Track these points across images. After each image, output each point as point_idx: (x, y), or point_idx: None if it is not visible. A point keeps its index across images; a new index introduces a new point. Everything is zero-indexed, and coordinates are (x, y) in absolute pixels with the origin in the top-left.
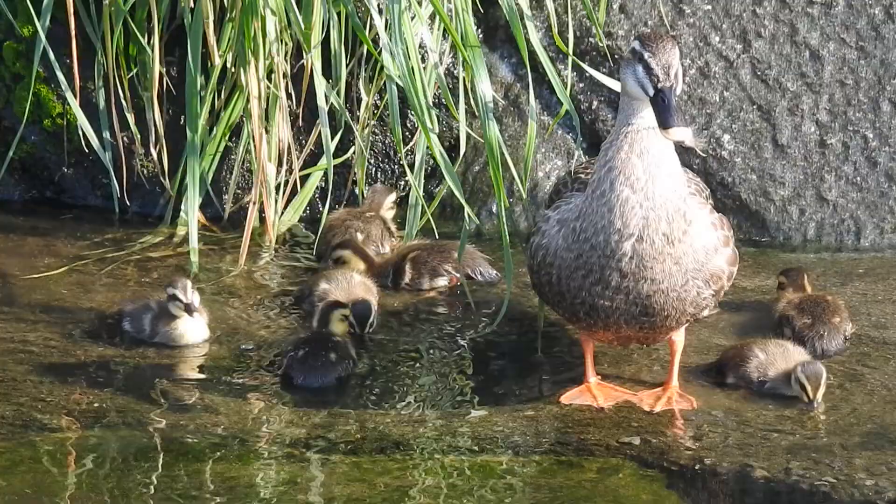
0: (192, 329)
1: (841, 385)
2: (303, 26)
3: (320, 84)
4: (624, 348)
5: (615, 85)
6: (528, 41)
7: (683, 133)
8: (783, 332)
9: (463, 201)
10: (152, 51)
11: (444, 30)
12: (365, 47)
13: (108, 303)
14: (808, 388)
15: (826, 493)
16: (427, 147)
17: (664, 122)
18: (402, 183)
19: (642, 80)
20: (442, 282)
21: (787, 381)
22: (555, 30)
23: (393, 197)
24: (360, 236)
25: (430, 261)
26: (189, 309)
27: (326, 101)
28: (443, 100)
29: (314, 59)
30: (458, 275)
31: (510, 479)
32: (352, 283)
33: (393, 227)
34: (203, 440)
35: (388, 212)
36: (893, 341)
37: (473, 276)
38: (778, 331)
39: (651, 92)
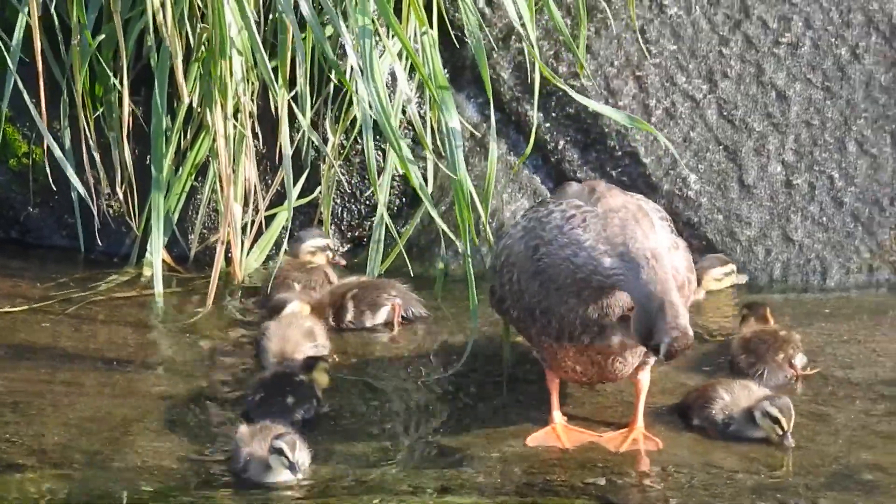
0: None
1: (806, 425)
2: (269, 66)
3: (285, 126)
4: (590, 388)
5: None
6: (494, 80)
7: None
8: (731, 368)
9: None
10: (120, 90)
11: (412, 69)
12: (331, 87)
13: (73, 343)
14: (783, 420)
15: None
16: (397, 182)
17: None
18: (368, 223)
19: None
20: (384, 313)
21: (753, 421)
22: (538, 60)
23: (315, 242)
24: (297, 286)
25: (369, 295)
26: (294, 469)
27: (291, 144)
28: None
29: (284, 96)
30: (399, 301)
31: None
32: (291, 331)
33: (333, 275)
34: (165, 481)
35: (312, 257)
36: (859, 381)
37: (405, 314)
38: (730, 367)
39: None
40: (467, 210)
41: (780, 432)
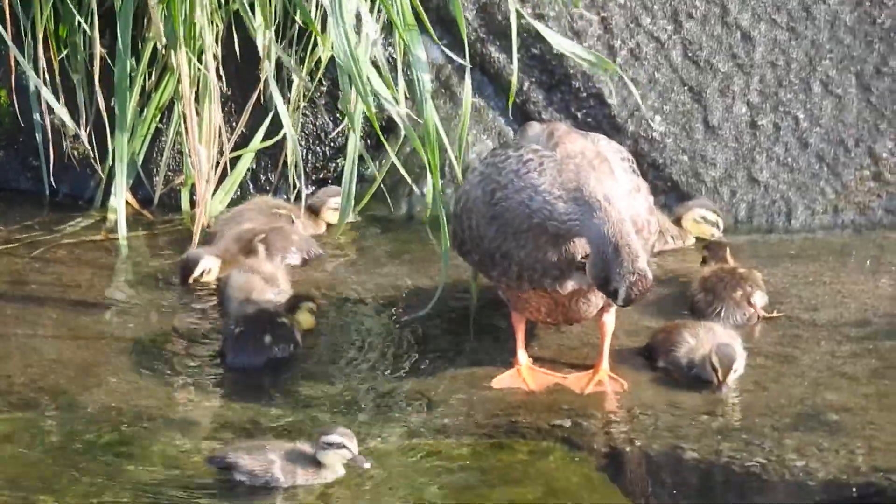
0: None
1: (771, 366)
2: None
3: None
4: (556, 330)
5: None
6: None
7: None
8: (690, 308)
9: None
10: (91, 31)
11: (379, 9)
12: (294, 29)
13: (38, 286)
14: (719, 370)
15: (757, 475)
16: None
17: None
18: (333, 165)
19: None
20: (295, 255)
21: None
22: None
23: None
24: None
25: (278, 239)
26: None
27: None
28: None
29: (263, 30)
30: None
31: (441, 461)
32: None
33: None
34: (133, 420)
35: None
36: (824, 323)
37: (307, 256)
38: (689, 307)
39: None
40: (433, 152)
41: (715, 381)
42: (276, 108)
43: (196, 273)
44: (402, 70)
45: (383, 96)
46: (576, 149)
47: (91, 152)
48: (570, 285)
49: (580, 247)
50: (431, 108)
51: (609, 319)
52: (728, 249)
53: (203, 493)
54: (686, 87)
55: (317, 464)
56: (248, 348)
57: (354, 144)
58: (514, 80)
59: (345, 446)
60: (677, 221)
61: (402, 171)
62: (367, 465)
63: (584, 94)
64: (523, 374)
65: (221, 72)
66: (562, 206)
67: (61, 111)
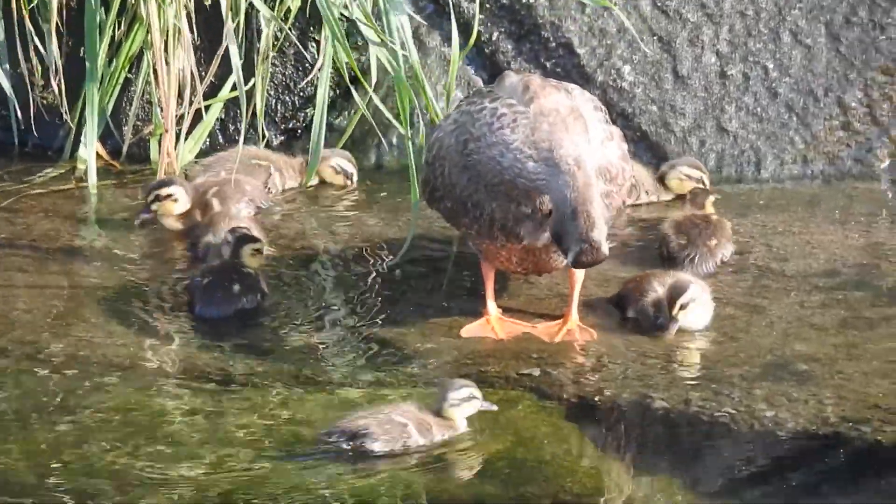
0: None
1: (741, 317)
2: None
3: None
4: (525, 280)
5: None
6: None
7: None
8: (662, 251)
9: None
10: None
11: None
12: None
13: (7, 236)
14: (665, 306)
15: (726, 424)
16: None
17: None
18: (302, 115)
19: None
20: (245, 206)
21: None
22: None
23: (340, 162)
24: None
25: (230, 192)
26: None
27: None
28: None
29: None
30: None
31: None
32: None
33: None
34: (103, 370)
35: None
36: (793, 273)
37: (260, 205)
38: (659, 249)
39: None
40: (407, 91)
41: (668, 316)
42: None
43: (162, 191)
44: (382, 15)
45: (371, 38)
46: (550, 105)
47: (61, 103)
48: (542, 237)
49: (549, 202)
50: (414, 51)
51: (579, 269)
52: (710, 199)
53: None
54: (655, 37)
55: (443, 419)
56: (217, 299)
57: (324, 92)
58: (476, 25)
59: (475, 397)
60: (661, 178)
61: (387, 113)
62: (495, 408)
63: (554, 44)
64: (493, 324)
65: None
66: (532, 165)
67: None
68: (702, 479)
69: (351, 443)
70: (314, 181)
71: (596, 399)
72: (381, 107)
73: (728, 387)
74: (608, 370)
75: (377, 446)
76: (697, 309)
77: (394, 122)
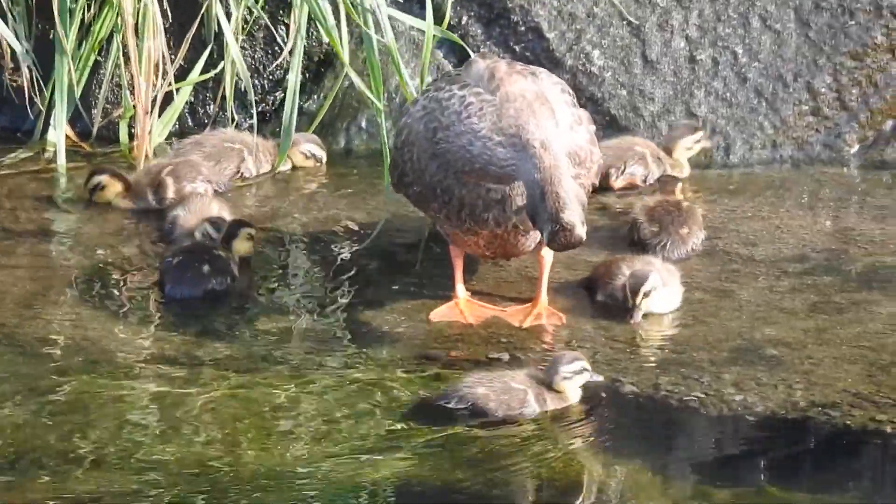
0: None
1: (710, 301)
2: None
3: None
4: (494, 263)
5: None
6: None
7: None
8: (633, 236)
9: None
10: None
11: None
12: None
13: None
14: (629, 296)
15: (695, 409)
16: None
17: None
18: (272, 98)
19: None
20: (201, 186)
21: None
22: None
23: (310, 148)
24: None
25: (186, 172)
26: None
27: (194, 19)
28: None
29: None
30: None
31: (379, 395)
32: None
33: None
34: (72, 354)
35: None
36: (762, 258)
37: (217, 188)
38: (630, 234)
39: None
40: (377, 72)
41: (629, 306)
42: (214, 39)
43: (90, 183)
44: None
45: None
46: (516, 91)
47: (31, 85)
48: (510, 222)
49: (519, 189)
50: (390, 32)
51: (548, 253)
52: (679, 186)
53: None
54: (624, 22)
55: (554, 391)
56: (187, 279)
57: (296, 76)
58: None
59: (585, 369)
60: (667, 151)
61: (364, 90)
62: (601, 379)
63: (523, 28)
64: (461, 307)
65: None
66: (501, 151)
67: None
68: (671, 463)
69: (469, 408)
70: (286, 165)
71: None
72: (358, 81)
73: (697, 371)
74: None
75: (498, 412)
76: (663, 293)
77: (370, 96)
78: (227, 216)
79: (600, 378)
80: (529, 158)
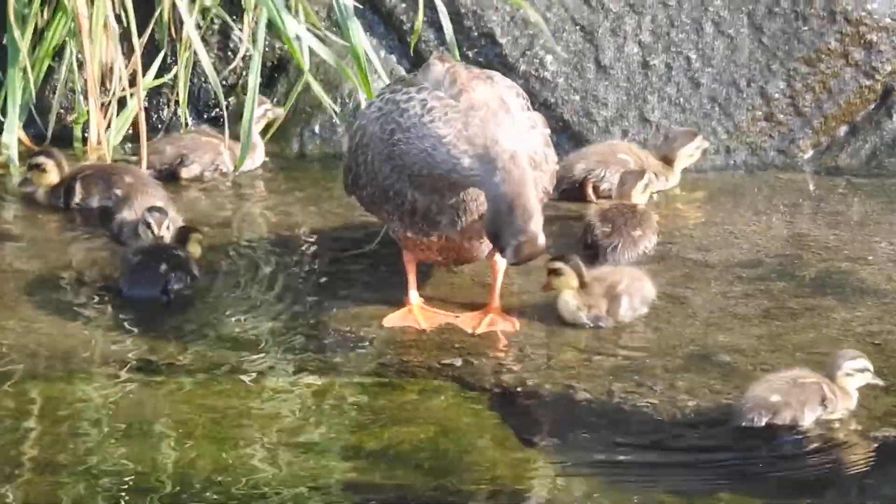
0: None
1: (663, 307)
2: None
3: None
4: (447, 269)
5: None
6: None
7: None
8: (586, 238)
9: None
10: None
11: None
12: None
13: None
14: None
15: (648, 415)
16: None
17: None
18: (227, 102)
19: None
20: (115, 194)
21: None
22: None
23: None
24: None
25: (100, 179)
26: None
27: (147, 24)
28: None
29: None
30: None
31: (332, 401)
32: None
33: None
34: (25, 360)
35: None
36: (715, 263)
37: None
38: (583, 236)
39: None
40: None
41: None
42: (167, 44)
43: (34, 160)
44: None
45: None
46: (480, 98)
47: None
48: (459, 227)
49: (479, 196)
50: (359, 29)
51: (501, 259)
52: (636, 187)
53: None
54: (578, 27)
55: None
56: (144, 279)
57: (255, 76)
58: (419, 23)
59: (867, 369)
60: (667, 160)
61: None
62: (881, 383)
63: (476, 34)
64: (415, 313)
65: (118, 9)
66: (467, 160)
67: None
68: (624, 471)
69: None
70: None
71: (518, 389)
72: (317, 88)
73: (651, 378)
74: (530, 360)
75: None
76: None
77: (328, 103)
78: (176, 218)
79: (880, 382)
80: (498, 172)
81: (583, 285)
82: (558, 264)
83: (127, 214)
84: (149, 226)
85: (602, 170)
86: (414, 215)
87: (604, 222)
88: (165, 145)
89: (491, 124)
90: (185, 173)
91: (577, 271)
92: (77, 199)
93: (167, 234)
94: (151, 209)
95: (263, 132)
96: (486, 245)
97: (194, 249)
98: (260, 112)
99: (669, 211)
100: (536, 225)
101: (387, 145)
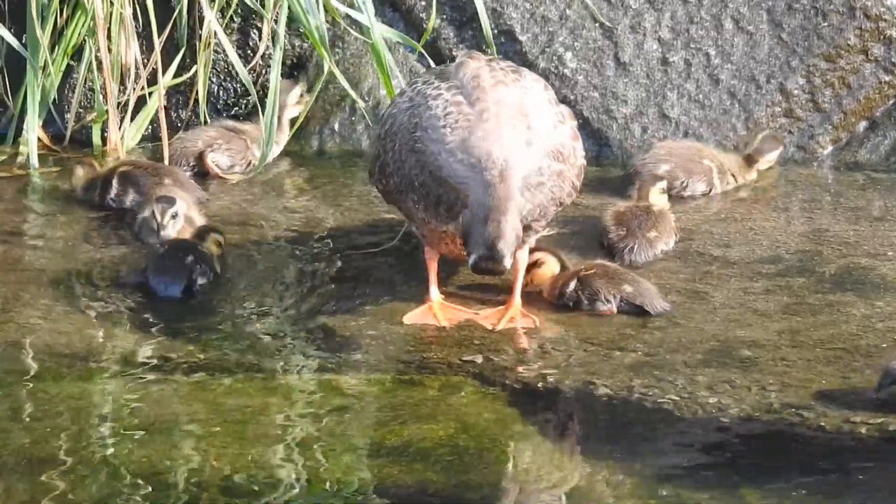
0: None
1: (683, 303)
2: None
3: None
4: (467, 265)
5: None
6: None
7: None
8: (601, 241)
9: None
10: None
11: None
12: None
13: None
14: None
15: (669, 411)
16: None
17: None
18: (244, 102)
19: None
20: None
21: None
22: None
23: (293, 96)
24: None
25: (138, 177)
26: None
27: (167, 24)
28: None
29: None
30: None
31: (353, 398)
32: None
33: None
34: (47, 357)
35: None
36: (735, 259)
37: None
38: (599, 239)
39: None
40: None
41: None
42: (186, 43)
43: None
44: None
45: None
46: (492, 106)
47: (3, 89)
48: None
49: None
50: (376, 23)
51: (523, 256)
52: (653, 189)
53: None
54: (597, 24)
55: None
56: (170, 270)
57: (276, 73)
58: (432, 21)
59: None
60: (749, 160)
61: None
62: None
63: (496, 31)
64: (435, 310)
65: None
66: (461, 169)
67: None
68: (644, 466)
69: None
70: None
71: (539, 386)
72: (343, 79)
73: (671, 373)
74: (551, 357)
75: None
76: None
77: (353, 95)
78: (197, 217)
79: None
80: (483, 184)
81: (564, 268)
82: (538, 255)
83: (147, 212)
84: (153, 215)
85: (685, 178)
86: (438, 205)
87: (619, 225)
88: (195, 139)
89: (492, 137)
90: (212, 160)
91: (555, 255)
92: (112, 194)
93: (171, 226)
94: (160, 199)
95: (293, 122)
96: None
97: (213, 250)
98: (297, 94)
99: (689, 207)
100: (505, 246)
101: (411, 137)
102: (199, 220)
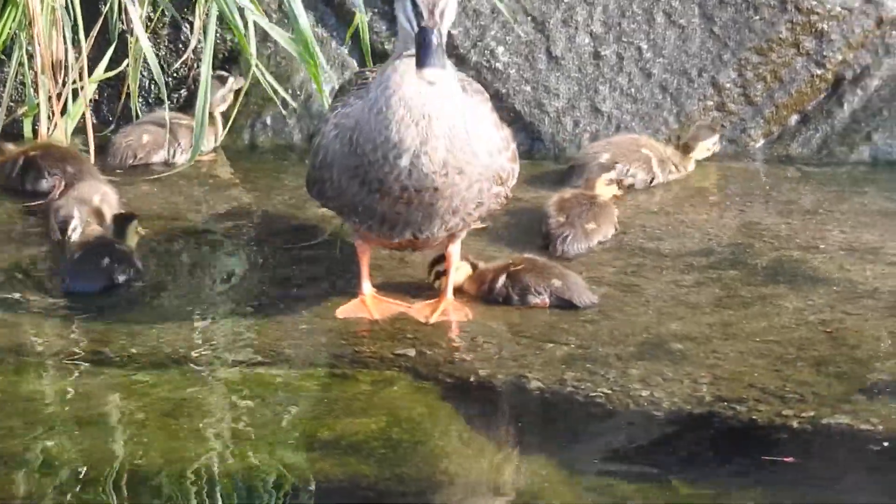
0: None
1: (616, 296)
2: None
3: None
4: (400, 259)
5: None
6: None
7: (437, 74)
8: (542, 227)
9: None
10: None
11: None
12: None
13: None
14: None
15: (601, 404)
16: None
17: (420, 62)
18: (177, 95)
19: (409, 15)
20: (45, 183)
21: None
22: None
23: (225, 91)
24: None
25: (42, 161)
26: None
27: (98, 16)
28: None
29: None
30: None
31: (285, 392)
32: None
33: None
34: None
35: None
36: (667, 252)
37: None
38: (540, 225)
39: (415, 29)
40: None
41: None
42: (118, 37)
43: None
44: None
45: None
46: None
47: None
48: (429, 238)
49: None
50: (305, 22)
51: (455, 249)
52: (601, 179)
53: None
54: (529, 18)
55: None
56: (87, 273)
57: (207, 67)
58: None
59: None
60: (685, 148)
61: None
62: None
63: None
64: (367, 304)
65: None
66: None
67: None
68: (577, 459)
69: None
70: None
71: (471, 379)
72: (269, 78)
73: (603, 366)
74: (483, 350)
75: None
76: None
77: (281, 92)
78: (108, 209)
79: None
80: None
81: (475, 268)
82: (443, 266)
83: (60, 206)
84: (55, 231)
85: (625, 164)
86: (382, 225)
87: (559, 212)
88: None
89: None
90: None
91: (466, 260)
92: (23, 178)
93: (76, 234)
94: (58, 218)
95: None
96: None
97: (132, 243)
98: (225, 90)
99: (621, 200)
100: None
101: (350, 159)
102: (111, 210)
